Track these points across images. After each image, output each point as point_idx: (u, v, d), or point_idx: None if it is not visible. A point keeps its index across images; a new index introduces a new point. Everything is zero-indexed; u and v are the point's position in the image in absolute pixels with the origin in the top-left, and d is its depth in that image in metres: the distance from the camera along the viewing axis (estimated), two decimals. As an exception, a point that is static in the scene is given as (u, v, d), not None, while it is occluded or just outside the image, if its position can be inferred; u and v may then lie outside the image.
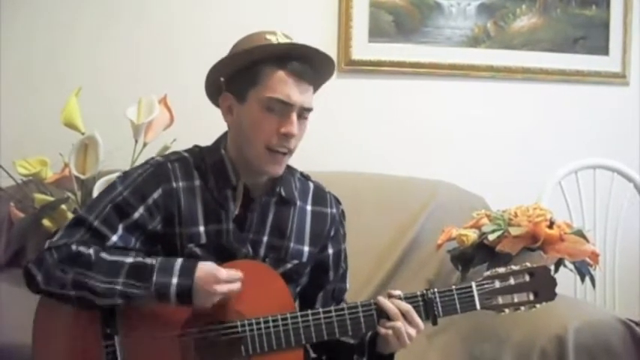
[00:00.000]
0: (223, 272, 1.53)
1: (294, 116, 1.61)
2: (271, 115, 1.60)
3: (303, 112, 1.63)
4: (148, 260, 1.54)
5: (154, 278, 1.51)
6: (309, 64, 1.63)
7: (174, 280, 1.51)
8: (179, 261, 1.54)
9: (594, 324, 2.00)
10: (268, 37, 1.62)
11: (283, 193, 1.72)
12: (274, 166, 1.64)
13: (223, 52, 1.69)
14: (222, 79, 1.63)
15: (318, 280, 1.81)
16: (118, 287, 1.51)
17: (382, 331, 1.60)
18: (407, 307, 1.61)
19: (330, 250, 1.81)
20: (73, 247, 1.56)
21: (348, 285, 1.87)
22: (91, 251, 1.55)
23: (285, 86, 1.59)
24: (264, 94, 1.59)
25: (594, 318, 2.04)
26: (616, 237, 2.72)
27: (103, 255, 1.55)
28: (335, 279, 1.83)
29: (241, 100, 1.62)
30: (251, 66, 1.60)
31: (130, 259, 1.54)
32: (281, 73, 1.59)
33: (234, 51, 1.65)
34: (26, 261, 1.58)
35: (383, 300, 1.62)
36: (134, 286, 1.51)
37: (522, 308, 1.66)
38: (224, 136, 1.72)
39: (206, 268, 1.53)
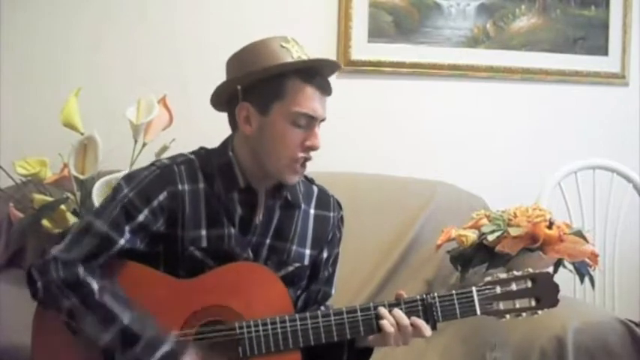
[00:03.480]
0: None
1: (317, 129, 1.63)
2: (296, 129, 1.61)
3: (320, 123, 1.65)
4: (140, 328, 1.52)
5: (137, 350, 1.50)
6: (325, 75, 1.65)
7: None
8: (166, 346, 1.52)
9: (594, 324, 2.00)
10: (284, 45, 1.62)
11: (289, 197, 1.72)
12: (294, 176, 1.66)
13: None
14: (239, 87, 1.62)
15: (308, 280, 1.80)
16: (103, 341, 1.51)
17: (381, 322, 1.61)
18: (405, 322, 1.60)
19: (325, 254, 1.80)
20: (80, 272, 1.54)
21: (333, 290, 1.86)
22: (96, 288, 1.53)
23: (311, 101, 1.61)
24: (291, 109, 1.60)
25: (594, 319, 2.04)
26: (615, 237, 2.72)
27: (105, 298, 1.53)
28: (320, 281, 1.82)
29: (263, 112, 1.61)
30: (274, 79, 1.60)
31: (126, 320, 1.52)
32: (308, 89, 1.60)
33: (253, 61, 1.61)
34: (31, 263, 1.58)
35: (383, 311, 1.61)
36: (117, 348, 1.51)
37: (524, 314, 1.66)
38: (230, 138, 1.72)
39: None
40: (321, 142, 1.63)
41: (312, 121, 1.62)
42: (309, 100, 1.60)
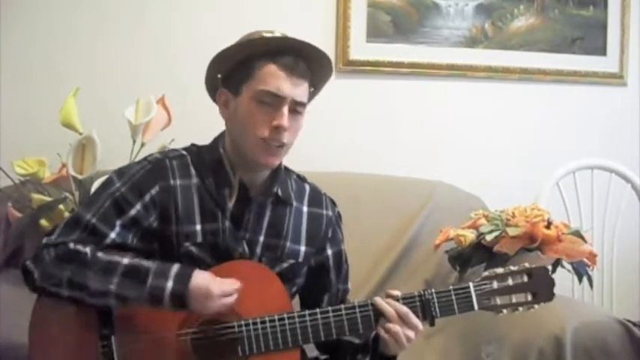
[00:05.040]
0: (216, 288, 1.52)
1: (286, 109, 1.61)
2: (263, 108, 1.60)
3: (296, 107, 1.63)
4: (145, 263, 1.54)
5: (149, 281, 1.51)
6: (303, 60, 1.64)
7: (169, 285, 1.50)
8: (175, 266, 1.54)
9: (592, 324, 2.00)
10: (265, 34, 1.64)
11: (280, 193, 1.72)
12: (269, 157, 1.64)
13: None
14: (219, 75, 1.65)
15: (321, 282, 1.81)
16: (112, 287, 1.51)
17: (381, 332, 1.61)
18: (404, 309, 1.60)
19: (329, 252, 1.81)
20: (71, 245, 1.56)
21: (349, 285, 1.87)
22: (88, 250, 1.55)
23: (276, 79, 1.60)
24: (256, 87, 1.61)
25: (592, 318, 2.04)
26: (614, 237, 2.72)
27: (100, 254, 1.55)
28: (339, 280, 1.83)
29: (236, 94, 1.64)
30: (245, 61, 1.62)
31: (126, 260, 1.54)
32: (273, 67, 1.61)
33: (231, 48, 1.65)
34: (24, 259, 1.58)
35: (380, 301, 1.62)
36: (128, 287, 1.51)
37: (520, 309, 1.66)
38: (222, 135, 1.73)
39: (200, 281, 1.52)
40: (286, 122, 1.59)
41: (278, 100, 1.60)
42: (273, 78, 1.60)
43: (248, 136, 1.62)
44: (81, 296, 1.53)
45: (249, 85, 1.62)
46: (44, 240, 1.58)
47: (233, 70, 1.64)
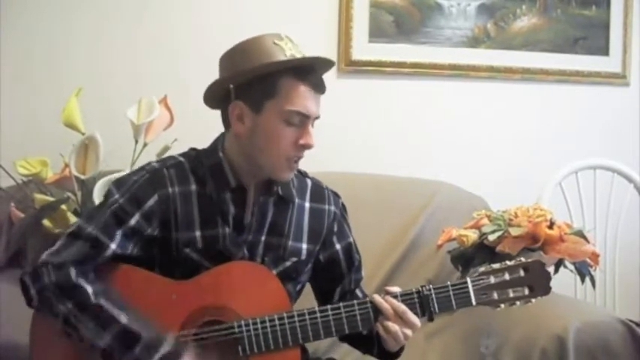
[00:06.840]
0: None
1: (311, 128, 1.63)
2: (289, 128, 1.60)
3: (314, 121, 1.65)
4: (138, 329, 1.52)
5: (137, 351, 1.50)
6: (319, 73, 1.64)
7: None
8: (165, 346, 1.52)
9: (595, 324, 2.00)
10: (277, 42, 1.62)
11: (281, 192, 1.72)
12: (288, 173, 1.66)
13: (224, 51, 1.69)
14: (231, 86, 1.62)
15: (333, 275, 1.82)
16: (102, 344, 1.51)
17: (379, 330, 1.61)
18: (402, 308, 1.61)
19: (338, 246, 1.81)
20: (73, 274, 1.54)
21: (362, 273, 1.87)
22: (90, 291, 1.53)
23: (305, 99, 1.60)
24: (284, 107, 1.59)
25: (595, 318, 2.04)
26: (616, 237, 2.72)
27: (101, 301, 1.53)
28: (351, 271, 1.83)
29: (256, 110, 1.61)
30: (267, 77, 1.59)
31: (123, 320, 1.52)
32: (301, 87, 1.60)
33: (246, 59, 1.61)
34: (23, 272, 1.57)
35: (378, 299, 1.62)
36: (117, 349, 1.51)
37: (518, 303, 1.67)
38: (221, 137, 1.72)
39: None
40: (315, 140, 1.63)
41: (305, 119, 1.61)
42: (302, 98, 1.60)
43: (271, 155, 1.62)
44: (73, 334, 1.53)
45: (274, 103, 1.60)
46: (44, 256, 1.57)
47: (251, 84, 1.60)
